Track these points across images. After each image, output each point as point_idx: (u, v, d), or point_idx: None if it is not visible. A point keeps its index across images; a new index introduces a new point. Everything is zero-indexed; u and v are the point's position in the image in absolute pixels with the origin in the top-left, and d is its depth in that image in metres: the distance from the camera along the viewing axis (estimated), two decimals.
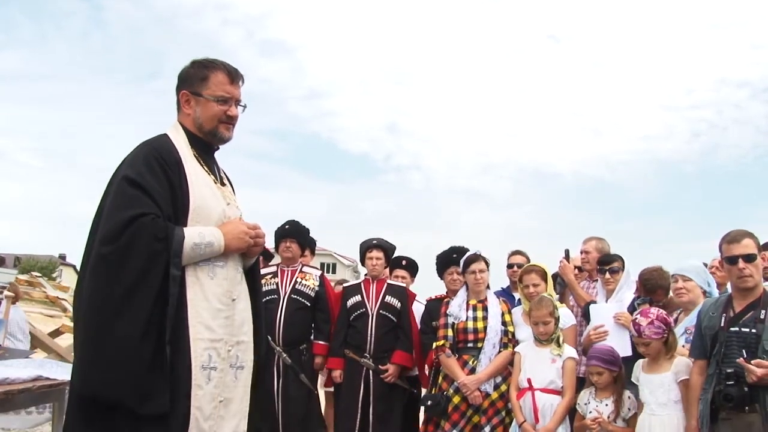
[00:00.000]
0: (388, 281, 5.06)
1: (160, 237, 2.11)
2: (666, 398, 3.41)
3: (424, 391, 4.85)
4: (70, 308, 13.26)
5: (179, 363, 2.13)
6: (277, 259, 5.37)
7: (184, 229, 2.20)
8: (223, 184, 2.48)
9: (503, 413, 4.05)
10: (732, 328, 3.12)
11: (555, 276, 4.56)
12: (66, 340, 8.66)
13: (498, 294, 4.59)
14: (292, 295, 4.89)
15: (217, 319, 2.25)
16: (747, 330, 3.07)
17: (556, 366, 3.85)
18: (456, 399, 4.10)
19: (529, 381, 3.85)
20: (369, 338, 4.81)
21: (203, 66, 2.40)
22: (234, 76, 2.42)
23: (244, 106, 2.46)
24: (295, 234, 5.08)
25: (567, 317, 4.27)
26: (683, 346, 3.62)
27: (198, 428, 2.14)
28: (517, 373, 3.95)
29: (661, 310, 3.61)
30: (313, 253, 5.59)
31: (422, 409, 4.54)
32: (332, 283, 5.86)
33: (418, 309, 5.05)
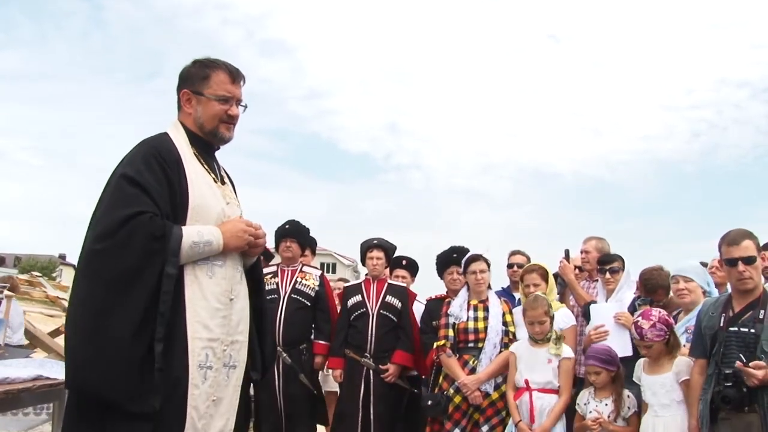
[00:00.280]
0: (389, 281, 5.06)
1: (157, 235, 2.10)
2: (668, 399, 3.40)
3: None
4: None
5: (177, 362, 2.12)
6: (277, 259, 5.37)
7: (183, 227, 2.19)
8: (223, 183, 2.47)
9: (503, 413, 4.04)
10: (731, 328, 3.11)
11: (555, 276, 4.56)
12: None
13: (498, 294, 4.59)
14: (293, 295, 4.89)
15: (215, 318, 2.24)
16: (746, 330, 3.06)
17: (552, 366, 3.84)
18: (457, 399, 4.10)
19: (526, 381, 3.85)
20: (369, 338, 4.81)
21: (205, 65, 2.39)
22: (235, 75, 2.41)
23: (245, 106, 2.45)
24: (295, 234, 5.08)
25: (567, 317, 4.27)
26: (684, 345, 3.62)
27: (193, 427, 2.14)
28: (513, 372, 3.94)
29: (663, 312, 3.60)
30: (313, 252, 5.59)
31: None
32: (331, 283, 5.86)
33: (418, 309, 5.06)
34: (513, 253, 5.09)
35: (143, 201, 2.12)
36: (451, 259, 4.77)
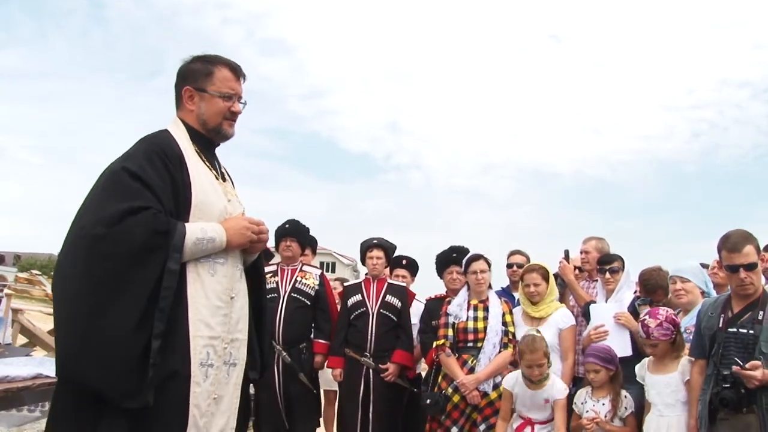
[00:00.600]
0: (389, 281, 5.07)
1: (161, 231, 2.08)
2: (673, 399, 3.40)
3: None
4: None
5: (179, 360, 2.11)
6: (277, 258, 5.38)
7: (186, 224, 2.17)
8: (224, 180, 2.46)
9: None
10: (730, 329, 3.11)
11: (555, 276, 4.57)
12: None
13: (498, 294, 4.59)
14: (292, 294, 4.90)
15: (216, 316, 2.23)
16: (745, 331, 3.06)
17: (550, 405, 3.84)
18: (456, 398, 4.11)
19: (529, 420, 3.84)
20: (369, 337, 4.81)
21: (207, 61, 2.39)
22: (238, 72, 2.41)
23: (244, 103, 2.45)
24: (295, 233, 5.08)
25: (567, 317, 4.27)
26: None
27: (195, 426, 2.13)
28: (507, 407, 3.90)
29: (670, 311, 3.60)
30: (314, 252, 5.61)
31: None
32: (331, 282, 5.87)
33: (418, 308, 5.06)
34: (513, 253, 5.10)
35: (147, 196, 2.10)
36: (450, 259, 4.78)
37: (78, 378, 2.02)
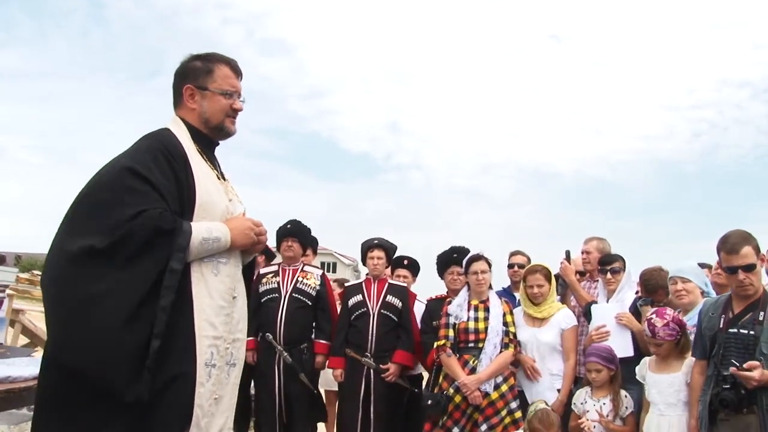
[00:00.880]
0: (389, 281, 5.08)
1: (166, 229, 2.07)
2: (675, 399, 3.40)
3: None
4: None
5: (186, 360, 2.11)
6: (279, 259, 5.39)
7: (192, 224, 2.17)
8: (224, 179, 2.47)
9: (503, 413, 4.05)
10: (730, 330, 3.11)
11: (556, 277, 4.57)
12: None
13: (499, 294, 4.60)
14: (293, 294, 4.91)
15: (219, 316, 2.23)
16: (745, 332, 3.06)
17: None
18: (457, 398, 4.11)
19: None
20: (370, 337, 4.82)
21: (207, 59, 2.38)
22: (237, 69, 2.42)
23: (243, 100, 2.45)
24: (296, 233, 5.09)
25: (569, 318, 4.28)
26: None
27: (197, 426, 2.13)
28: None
29: (677, 312, 3.60)
30: (315, 252, 5.61)
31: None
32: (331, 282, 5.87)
33: (418, 309, 5.06)
34: (513, 254, 5.10)
35: (153, 198, 2.08)
36: (451, 259, 4.78)
37: (65, 357, 1.99)
